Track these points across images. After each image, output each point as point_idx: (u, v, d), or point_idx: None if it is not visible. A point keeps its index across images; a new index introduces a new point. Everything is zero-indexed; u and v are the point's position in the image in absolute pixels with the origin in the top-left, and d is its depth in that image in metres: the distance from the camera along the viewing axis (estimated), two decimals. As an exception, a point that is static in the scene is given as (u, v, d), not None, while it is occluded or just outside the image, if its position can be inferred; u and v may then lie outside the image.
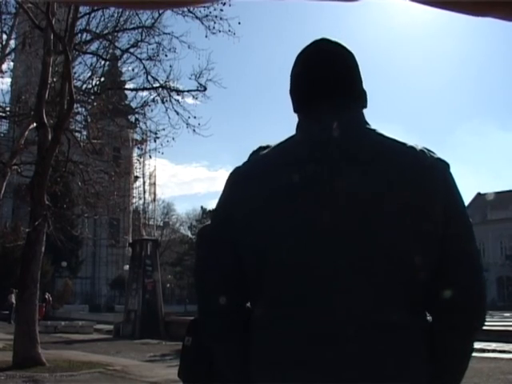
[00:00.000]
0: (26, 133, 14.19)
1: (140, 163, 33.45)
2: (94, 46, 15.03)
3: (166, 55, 14.14)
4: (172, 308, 34.35)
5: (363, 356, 1.07)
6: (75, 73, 14.24)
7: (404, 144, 1.20)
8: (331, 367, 1.07)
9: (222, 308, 1.21)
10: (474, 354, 1.21)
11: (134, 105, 16.19)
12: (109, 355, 12.44)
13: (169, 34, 14.08)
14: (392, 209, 1.12)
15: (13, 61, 18.70)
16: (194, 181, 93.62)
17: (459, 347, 1.18)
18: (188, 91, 14.06)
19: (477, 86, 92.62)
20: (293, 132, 1.29)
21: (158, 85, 14.19)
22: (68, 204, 16.40)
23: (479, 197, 57.99)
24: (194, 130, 13.78)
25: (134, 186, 40.08)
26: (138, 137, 18.59)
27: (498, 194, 53.96)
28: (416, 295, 1.13)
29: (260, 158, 1.28)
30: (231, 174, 1.30)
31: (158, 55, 14.10)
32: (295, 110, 1.32)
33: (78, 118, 16.04)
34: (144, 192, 44.05)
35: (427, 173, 1.16)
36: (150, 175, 43.28)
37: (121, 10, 11.37)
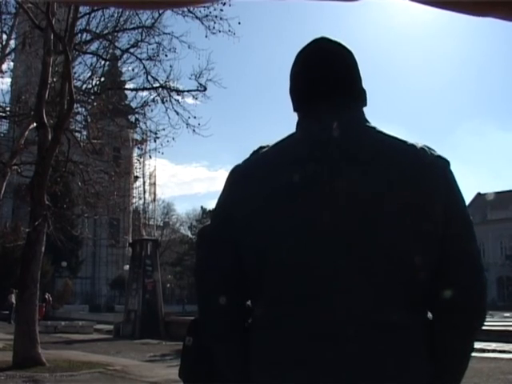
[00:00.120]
0: (26, 133, 14.19)
1: (140, 163, 33.49)
2: (94, 46, 15.05)
3: (166, 55, 14.15)
4: (172, 308, 34.36)
5: (363, 356, 1.07)
6: (75, 73, 14.25)
7: (404, 142, 1.20)
8: (331, 367, 1.07)
9: (222, 308, 1.20)
10: (474, 354, 1.21)
11: (134, 105, 16.21)
12: (109, 355, 12.44)
13: (169, 34, 14.09)
14: (392, 208, 1.12)
15: (13, 61, 18.71)
16: (193, 181, 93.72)
17: (459, 347, 1.18)
18: (188, 91, 14.06)
19: (477, 86, 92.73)
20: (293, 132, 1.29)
21: (157, 85, 14.19)
22: (68, 204, 16.40)
23: (479, 197, 57.99)
24: (193, 130, 13.79)
25: (134, 185, 40.09)
26: (138, 137, 18.61)
27: (498, 194, 53.95)
28: (416, 295, 1.13)
29: (260, 157, 1.27)
30: (231, 172, 1.30)
31: (158, 55, 14.11)
32: (295, 109, 1.32)
33: (78, 118, 16.06)
34: (144, 192, 44.08)
35: (428, 171, 1.16)
36: (150, 175, 43.30)
37: (121, 10, 11.36)
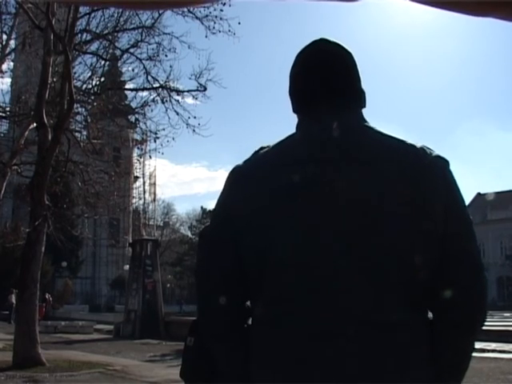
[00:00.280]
0: (26, 133, 14.19)
1: (140, 163, 33.50)
2: (94, 46, 15.05)
3: (166, 55, 14.15)
4: (172, 308, 34.37)
5: (363, 355, 1.07)
6: (75, 73, 14.25)
7: (403, 142, 1.20)
8: (331, 366, 1.07)
9: (222, 308, 1.21)
10: (474, 354, 1.21)
11: (134, 105, 16.21)
12: (109, 355, 12.44)
13: (169, 34, 14.09)
14: (392, 208, 1.12)
15: (13, 61, 18.70)
16: (193, 181, 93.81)
17: (460, 346, 1.18)
18: (188, 91, 14.06)
19: (477, 86, 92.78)
20: (293, 132, 1.29)
21: (158, 85, 14.19)
22: (68, 204, 16.41)
23: (479, 197, 58.00)
24: (193, 130, 13.79)
25: (134, 186, 40.12)
26: (138, 137, 18.61)
27: (498, 194, 53.96)
28: (416, 294, 1.13)
29: (260, 157, 1.28)
30: (231, 172, 1.30)
31: (158, 55, 14.11)
32: (294, 111, 1.32)
33: (78, 118, 16.06)
34: (144, 192, 44.08)
35: (427, 171, 1.16)
36: (150, 175, 43.32)
37: (121, 10, 11.37)
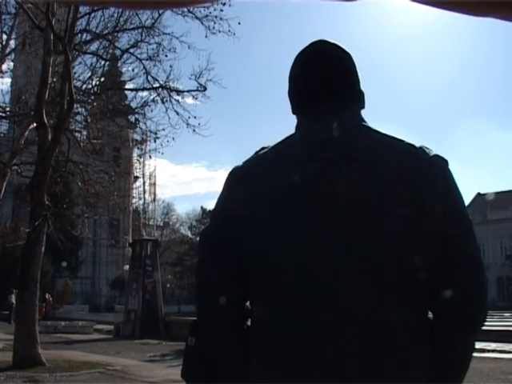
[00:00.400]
0: (26, 133, 14.19)
1: (140, 163, 33.49)
2: (94, 46, 15.06)
3: (166, 55, 14.16)
4: (172, 308, 34.38)
5: (363, 355, 1.07)
6: (75, 73, 14.25)
7: (402, 141, 1.20)
8: (331, 366, 1.07)
9: (222, 308, 1.21)
10: (474, 354, 1.21)
11: (133, 105, 16.21)
12: (109, 355, 12.45)
13: (169, 34, 14.10)
14: (392, 209, 1.12)
15: (13, 61, 18.70)
16: (193, 181, 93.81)
17: (460, 345, 1.18)
18: (188, 91, 14.07)
19: (477, 86, 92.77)
20: (293, 132, 1.29)
21: (158, 85, 14.20)
22: (68, 204, 16.41)
23: (479, 197, 58.01)
24: (194, 130, 13.80)
25: (134, 186, 40.12)
26: (137, 137, 18.61)
27: (498, 194, 53.97)
28: (416, 295, 1.13)
29: (259, 158, 1.28)
30: (230, 173, 1.30)
31: (157, 55, 14.12)
32: (294, 112, 1.32)
33: (78, 118, 16.06)
34: (144, 192, 44.10)
35: (427, 171, 1.16)
36: (150, 175, 43.33)
37: (121, 10, 11.37)
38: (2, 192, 15.07)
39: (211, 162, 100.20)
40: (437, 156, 1.20)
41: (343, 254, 1.10)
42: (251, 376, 1.18)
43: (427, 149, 1.21)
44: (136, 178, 39.76)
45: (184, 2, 0.67)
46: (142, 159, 27.85)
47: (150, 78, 14.14)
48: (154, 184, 45.41)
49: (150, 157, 20.77)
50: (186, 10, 12.13)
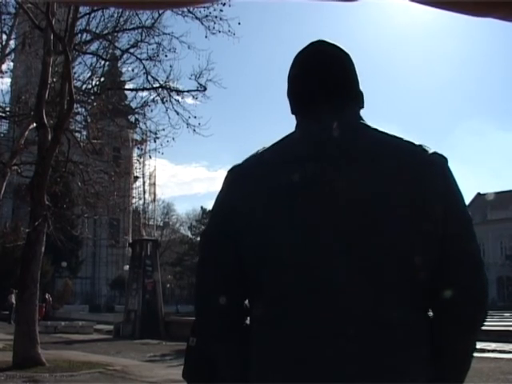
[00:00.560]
0: (26, 133, 14.19)
1: (140, 163, 33.52)
2: (93, 46, 15.06)
3: (166, 55, 14.16)
4: (172, 308, 34.37)
5: (363, 355, 1.07)
6: (75, 73, 14.25)
7: (401, 139, 1.20)
8: (331, 366, 1.07)
9: (222, 308, 1.20)
10: (474, 354, 1.21)
11: (133, 105, 16.22)
12: (109, 355, 12.45)
13: (169, 34, 14.11)
14: (392, 209, 1.12)
15: (13, 61, 18.71)
16: (193, 181, 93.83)
17: (461, 345, 1.17)
18: (188, 91, 14.07)
19: (477, 86, 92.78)
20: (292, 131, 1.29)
21: (157, 85, 14.20)
22: (68, 204, 16.42)
23: (479, 197, 58.01)
24: (194, 130, 13.81)
25: (134, 186, 40.13)
26: (137, 137, 18.62)
27: (498, 194, 53.97)
28: (416, 295, 1.13)
29: (258, 156, 1.27)
30: (229, 172, 1.30)
31: (157, 55, 14.12)
32: (293, 112, 1.32)
33: (78, 118, 16.07)
34: (144, 192, 44.14)
35: (427, 171, 1.16)
36: (150, 175, 43.36)
37: (121, 10, 11.37)
38: (2, 192, 15.07)
39: (211, 162, 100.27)
40: (436, 154, 1.20)
41: (343, 254, 1.10)
42: (251, 376, 1.18)
43: (426, 147, 1.21)
44: (136, 177, 39.78)
45: (184, 2, 0.67)
46: (141, 159, 27.89)
47: (149, 77, 14.17)
48: (154, 184, 45.47)
49: (150, 157, 20.78)
50: (185, 10, 12.13)
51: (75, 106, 12.50)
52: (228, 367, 1.27)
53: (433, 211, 1.13)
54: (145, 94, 15.12)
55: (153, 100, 14.59)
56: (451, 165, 1.21)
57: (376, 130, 1.22)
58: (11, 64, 18.57)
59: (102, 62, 15.20)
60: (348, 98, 1.28)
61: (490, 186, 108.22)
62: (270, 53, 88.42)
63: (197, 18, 13.09)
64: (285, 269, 1.14)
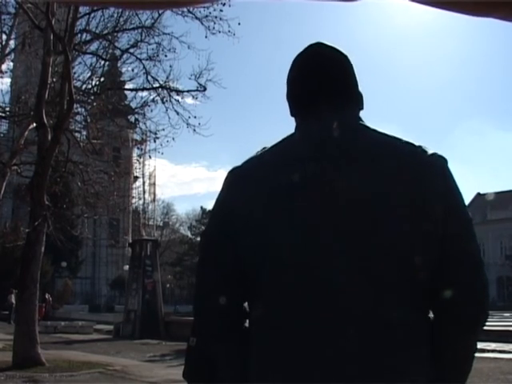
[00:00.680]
0: (26, 133, 14.20)
1: (140, 163, 33.42)
2: (93, 46, 15.07)
3: (166, 55, 14.17)
4: (171, 308, 34.34)
5: (363, 355, 1.07)
6: (75, 73, 14.25)
7: (401, 140, 1.20)
8: (331, 365, 1.07)
9: (222, 308, 1.20)
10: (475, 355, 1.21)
11: (133, 105, 16.21)
12: (109, 355, 12.45)
13: (169, 34, 14.11)
14: (392, 209, 1.12)
15: (12, 61, 18.71)
16: (193, 181, 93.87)
17: (461, 345, 1.17)
18: (188, 91, 14.07)
19: (476, 86, 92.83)
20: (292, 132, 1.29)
21: (157, 85, 14.20)
22: (68, 204, 16.42)
23: (479, 197, 58.04)
24: (194, 130, 13.81)
25: (134, 186, 40.06)
26: (137, 137, 18.61)
27: (497, 194, 54.00)
28: (416, 295, 1.13)
29: (258, 157, 1.27)
30: (229, 173, 1.30)
31: (157, 55, 14.12)
32: (292, 114, 1.33)
33: (78, 118, 16.07)
34: (144, 192, 44.07)
35: (427, 171, 1.16)
36: (150, 175, 43.32)
37: (120, 10, 11.37)
38: (2, 192, 15.07)
39: (211, 162, 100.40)
40: (436, 154, 1.20)
41: (343, 254, 1.10)
42: (251, 376, 1.18)
43: (426, 147, 1.21)
44: (136, 178, 39.72)
45: (184, 2, 0.67)
46: (141, 159, 27.82)
47: (149, 77, 14.17)
48: (154, 184, 45.44)
49: (150, 157, 20.78)
50: (185, 10, 12.13)
51: (75, 105, 12.50)
52: (228, 367, 1.27)
53: (433, 211, 1.13)
54: (145, 94, 15.15)
55: (153, 100, 14.61)
56: (451, 165, 1.21)
57: (375, 130, 1.23)
58: (11, 64, 18.60)
59: (102, 62, 15.22)
60: (348, 99, 1.28)
61: (490, 186, 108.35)
62: (270, 53, 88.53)
63: (197, 18, 13.10)
64: (285, 269, 1.14)
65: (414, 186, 1.14)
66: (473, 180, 75.37)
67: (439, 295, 1.13)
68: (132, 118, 17.37)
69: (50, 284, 35.81)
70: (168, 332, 17.45)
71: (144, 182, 43.34)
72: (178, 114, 13.73)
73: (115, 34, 14.28)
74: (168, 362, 11.40)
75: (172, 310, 33.74)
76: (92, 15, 13.57)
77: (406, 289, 1.12)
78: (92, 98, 15.18)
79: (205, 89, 13.78)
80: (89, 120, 15.53)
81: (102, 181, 16.09)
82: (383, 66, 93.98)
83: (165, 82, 14.16)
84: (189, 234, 60.72)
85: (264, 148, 1.30)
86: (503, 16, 0.57)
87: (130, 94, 16.61)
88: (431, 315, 1.17)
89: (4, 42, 15.48)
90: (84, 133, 16.60)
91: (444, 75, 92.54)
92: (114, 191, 17.43)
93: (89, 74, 15.31)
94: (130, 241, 28.57)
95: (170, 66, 16.17)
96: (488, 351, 11.19)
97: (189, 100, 14.32)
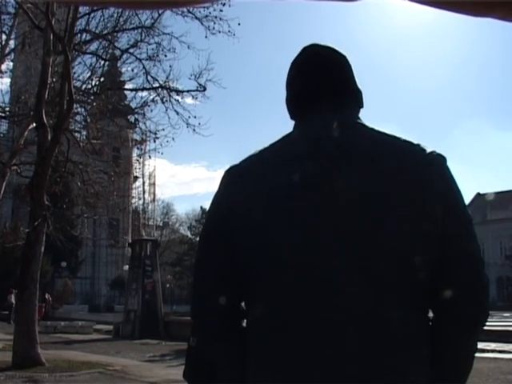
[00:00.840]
0: (26, 133, 14.19)
1: (139, 163, 33.40)
2: (93, 46, 15.06)
3: (166, 55, 14.17)
4: (170, 308, 34.31)
5: (363, 355, 1.07)
6: (75, 73, 14.25)
7: (400, 139, 1.20)
8: (331, 365, 1.07)
9: (221, 308, 1.20)
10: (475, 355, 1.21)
11: (133, 105, 16.21)
12: (108, 355, 12.45)
13: (168, 34, 14.11)
14: (392, 209, 1.12)
15: (12, 61, 18.68)
16: (193, 181, 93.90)
17: (461, 345, 1.17)
18: (188, 91, 14.07)
19: (476, 86, 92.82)
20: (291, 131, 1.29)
21: (157, 85, 14.20)
22: (68, 204, 16.42)
23: (479, 197, 58.00)
24: (193, 130, 13.81)
25: (134, 186, 40.05)
26: (137, 137, 18.60)
27: (497, 194, 53.98)
28: (416, 295, 1.13)
29: (257, 156, 1.27)
30: (226, 172, 1.29)
31: (157, 55, 14.12)
32: (292, 117, 1.33)
33: (78, 118, 16.07)
34: (143, 192, 44.08)
35: (426, 171, 1.16)
36: (150, 175, 43.32)
37: (120, 10, 11.37)
38: (2, 192, 15.06)
39: (211, 162, 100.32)
40: (435, 153, 1.20)
41: (343, 254, 1.10)
42: (251, 376, 1.18)
43: (425, 146, 1.21)
44: (135, 178, 39.71)
45: (184, 2, 0.67)
46: (141, 159, 27.79)
47: (149, 77, 14.17)
48: (154, 184, 45.45)
49: (150, 157, 20.81)
50: (185, 10, 12.12)
51: (75, 105, 12.49)
52: (228, 367, 1.26)
53: (433, 211, 1.13)
54: (144, 93, 15.15)
55: (152, 100, 14.61)
56: (451, 165, 1.20)
57: (375, 130, 1.23)
58: (11, 64, 18.58)
59: (102, 62, 15.22)
60: (347, 98, 1.28)
61: (490, 186, 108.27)
62: (270, 53, 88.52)
63: (197, 18, 13.10)
64: (285, 269, 1.14)
65: (414, 186, 1.14)
66: (473, 180, 75.41)
67: (439, 295, 1.13)
68: (132, 118, 17.38)
69: (50, 284, 35.81)
70: (168, 332, 17.45)
71: (144, 182, 43.37)
72: (177, 113, 13.75)
73: (115, 33, 14.28)
74: (168, 362, 11.40)
75: (169, 310, 33.77)
76: (92, 15, 13.59)
77: (405, 289, 1.12)
78: (92, 97, 15.18)
79: (205, 89, 13.79)
80: (89, 120, 15.53)
81: (102, 181, 16.09)
82: (383, 65, 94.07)
83: (165, 81, 14.18)
84: (188, 234, 60.73)
85: (262, 148, 1.30)
86: (502, 16, 0.57)
87: (129, 94, 16.63)
88: (431, 315, 1.17)
89: (4, 42, 15.48)
90: (84, 133, 16.60)
91: (443, 75, 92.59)
92: (113, 191, 17.42)
93: (89, 74, 15.33)
94: (130, 241, 28.56)
95: (170, 66, 16.27)
96: (488, 351, 11.19)
97: (189, 100, 14.34)
